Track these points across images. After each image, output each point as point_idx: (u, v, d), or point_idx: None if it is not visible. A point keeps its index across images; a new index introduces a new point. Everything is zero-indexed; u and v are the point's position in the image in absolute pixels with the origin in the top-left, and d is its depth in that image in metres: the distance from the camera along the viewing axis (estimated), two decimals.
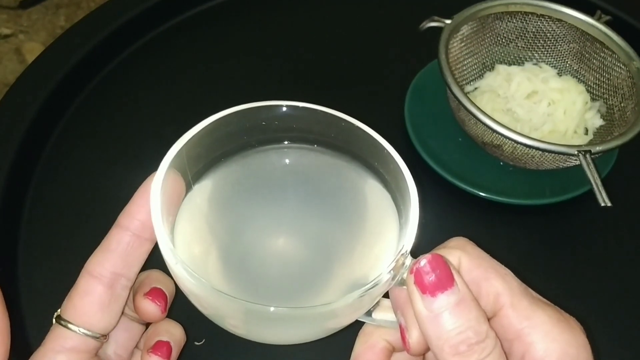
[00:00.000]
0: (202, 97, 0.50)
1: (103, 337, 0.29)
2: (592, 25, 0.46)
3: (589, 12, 0.47)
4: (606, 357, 0.38)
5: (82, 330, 0.28)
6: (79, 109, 0.49)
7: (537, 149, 0.40)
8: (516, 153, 0.42)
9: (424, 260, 0.24)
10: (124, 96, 0.51)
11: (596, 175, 0.38)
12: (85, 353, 0.28)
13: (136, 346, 0.32)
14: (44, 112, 0.47)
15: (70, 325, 0.28)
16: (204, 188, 0.28)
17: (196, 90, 0.51)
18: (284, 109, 0.28)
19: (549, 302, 0.26)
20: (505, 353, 0.24)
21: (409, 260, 0.25)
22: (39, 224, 0.43)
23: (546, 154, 0.41)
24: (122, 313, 0.29)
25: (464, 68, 0.48)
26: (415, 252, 0.25)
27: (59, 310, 0.29)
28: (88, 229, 0.42)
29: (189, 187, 0.28)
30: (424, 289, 0.23)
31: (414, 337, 0.25)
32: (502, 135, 0.40)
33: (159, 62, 0.53)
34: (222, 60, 0.54)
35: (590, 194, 0.38)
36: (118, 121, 0.49)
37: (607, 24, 0.46)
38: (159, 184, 0.25)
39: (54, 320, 0.29)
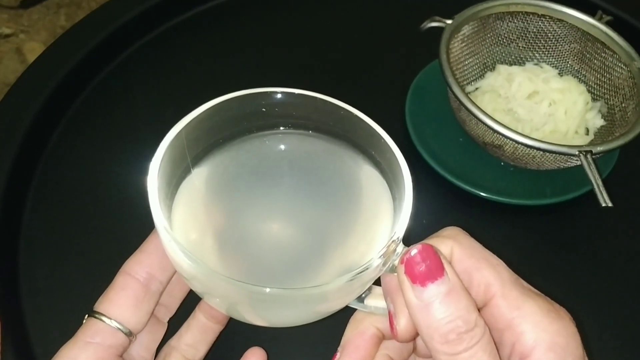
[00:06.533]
0: (202, 97, 0.50)
1: (132, 336, 0.29)
2: (593, 26, 0.46)
3: (590, 12, 0.47)
4: (598, 350, 0.38)
5: (115, 323, 0.28)
6: (79, 108, 0.49)
7: (538, 149, 0.40)
8: (517, 153, 0.42)
9: (414, 250, 0.24)
10: (125, 96, 0.51)
11: (597, 176, 0.38)
12: (113, 349, 0.28)
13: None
14: (45, 111, 0.47)
15: (103, 318, 0.28)
16: (203, 172, 0.29)
17: (197, 90, 0.51)
18: (284, 95, 0.29)
19: (539, 293, 0.26)
20: (495, 343, 0.24)
21: (400, 247, 0.25)
22: (40, 224, 0.43)
23: (547, 154, 0.41)
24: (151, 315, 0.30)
25: (465, 68, 0.48)
26: None
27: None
28: (89, 228, 0.43)
29: (188, 171, 0.28)
30: (414, 278, 0.24)
31: (401, 324, 0.25)
32: (503, 135, 0.40)
33: (159, 62, 0.53)
34: (223, 59, 0.54)
35: (591, 194, 0.38)
36: (119, 121, 0.49)
37: (608, 24, 0.46)
38: (157, 164, 0.25)
39: (85, 317, 0.29)
